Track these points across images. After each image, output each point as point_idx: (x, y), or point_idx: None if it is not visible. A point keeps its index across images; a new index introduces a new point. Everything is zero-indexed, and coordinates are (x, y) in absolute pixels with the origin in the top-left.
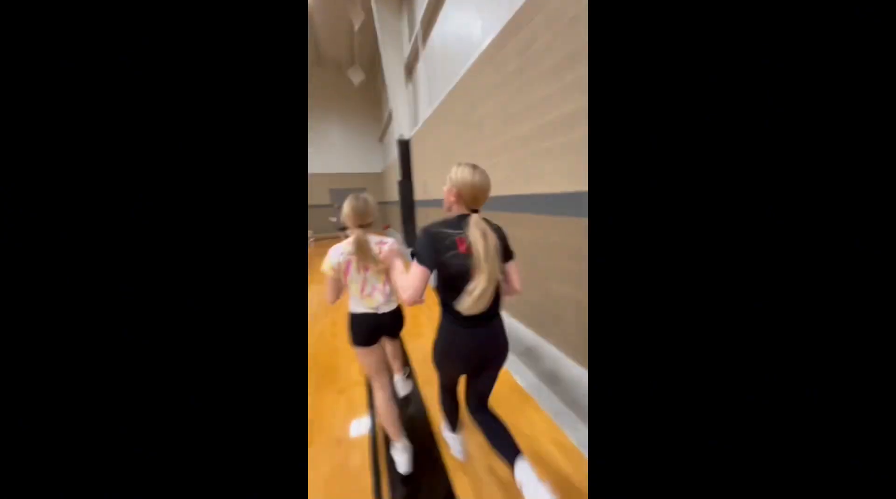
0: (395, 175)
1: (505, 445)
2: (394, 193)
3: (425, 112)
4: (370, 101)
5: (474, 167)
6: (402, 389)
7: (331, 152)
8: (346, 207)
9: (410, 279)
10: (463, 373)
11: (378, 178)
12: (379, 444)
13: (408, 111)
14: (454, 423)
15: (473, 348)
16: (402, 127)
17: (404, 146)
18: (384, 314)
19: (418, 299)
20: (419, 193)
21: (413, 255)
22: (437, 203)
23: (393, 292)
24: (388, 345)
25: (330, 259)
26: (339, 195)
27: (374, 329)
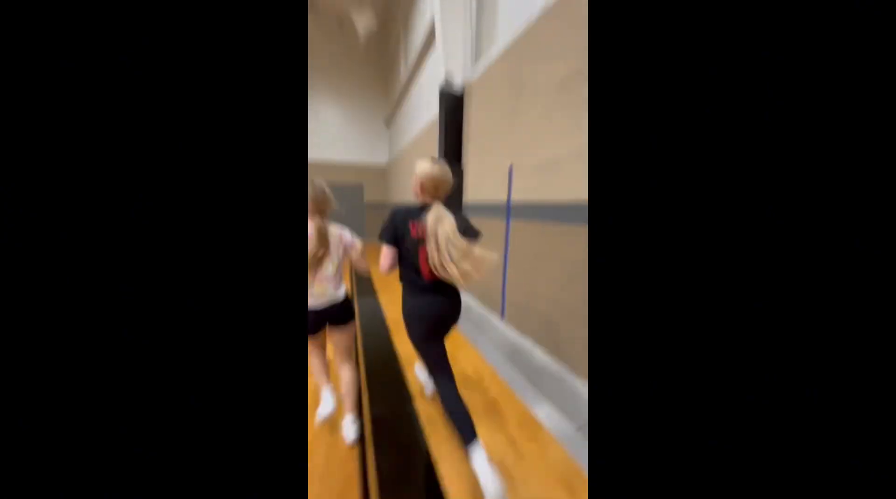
0: (410, 164)
1: (463, 425)
2: (401, 194)
3: (503, 34)
4: (379, 69)
5: (434, 160)
6: (350, 431)
7: (320, 135)
8: None
9: (382, 257)
10: (428, 334)
11: (381, 173)
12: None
13: (465, 31)
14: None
15: (429, 312)
16: (451, 62)
17: (451, 103)
18: (329, 308)
19: (389, 271)
20: (473, 190)
21: (380, 237)
22: (494, 208)
23: (343, 281)
24: (342, 373)
25: None
26: None
27: (315, 321)
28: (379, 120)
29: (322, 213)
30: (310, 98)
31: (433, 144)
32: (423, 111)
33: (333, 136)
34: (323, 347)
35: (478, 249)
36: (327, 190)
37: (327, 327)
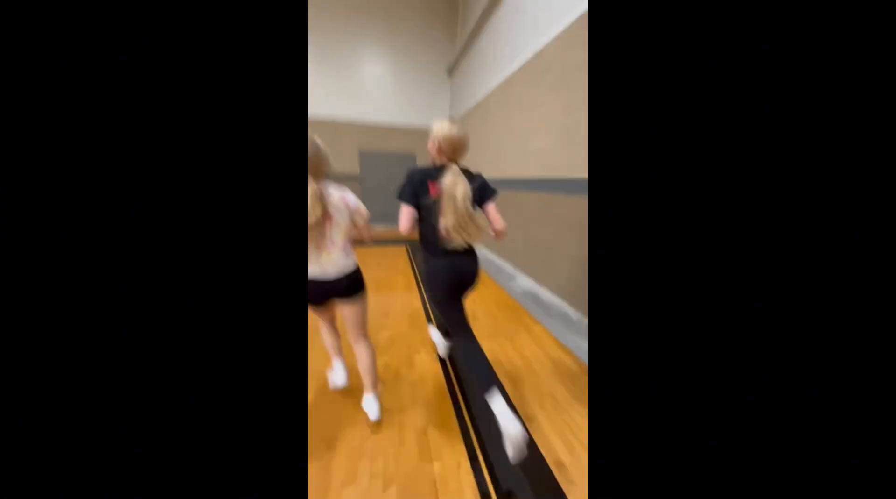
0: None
1: (483, 374)
2: (470, 165)
3: None
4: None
5: (452, 122)
6: (372, 410)
7: (363, 91)
8: None
9: (402, 217)
10: (448, 294)
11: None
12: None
13: None
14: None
15: (448, 274)
16: None
17: None
18: (338, 280)
19: (409, 231)
20: None
21: (399, 197)
22: None
23: (352, 249)
24: (358, 351)
25: None
26: (371, 161)
27: (324, 292)
28: (439, 70)
29: (318, 174)
30: (346, 37)
31: (547, 78)
32: (522, 37)
33: (379, 92)
34: (333, 320)
35: (479, 220)
36: (322, 146)
37: (336, 301)
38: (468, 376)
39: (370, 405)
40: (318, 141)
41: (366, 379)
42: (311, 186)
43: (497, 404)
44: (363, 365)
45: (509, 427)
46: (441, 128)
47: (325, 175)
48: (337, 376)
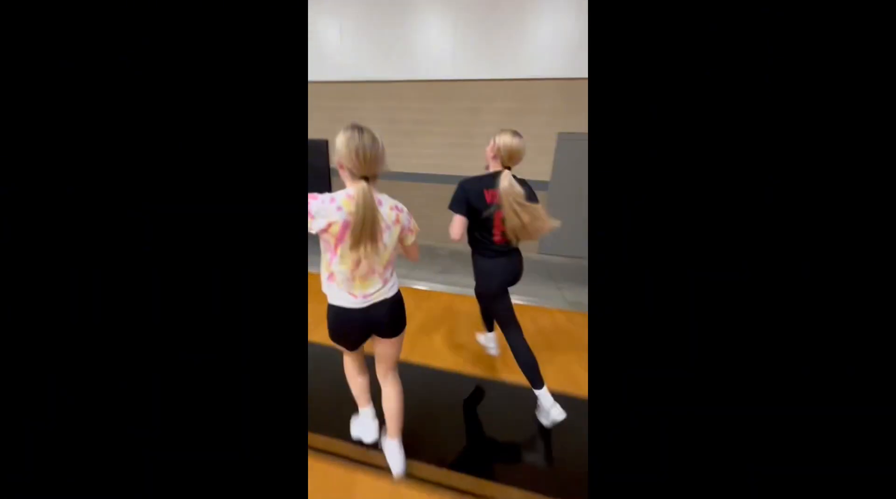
0: None
1: (534, 373)
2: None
3: None
4: None
5: (514, 133)
6: (397, 461)
7: (485, 30)
8: (342, 143)
9: (455, 227)
10: (499, 291)
11: None
12: None
13: None
14: (491, 325)
15: (498, 273)
16: None
17: None
18: (374, 306)
19: (460, 239)
20: None
21: (451, 207)
22: None
23: (391, 277)
24: (384, 389)
25: (322, 211)
26: (574, 150)
27: (359, 327)
28: None
29: (366, 177)
30: None
31: None
32: None
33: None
34: (363, 364)
35: (543, 211)
36: (380, 142)
37: (374, 340)
38: (521, 370)
39: (394, 456)
40: (374, 133)
41: (391, 423)
42: (360, 187)
43: (545, 399)
44: (391, 406)
45: (554, 414)
46: (503, 138)
47: (376, 178)
48: (366, 432)
